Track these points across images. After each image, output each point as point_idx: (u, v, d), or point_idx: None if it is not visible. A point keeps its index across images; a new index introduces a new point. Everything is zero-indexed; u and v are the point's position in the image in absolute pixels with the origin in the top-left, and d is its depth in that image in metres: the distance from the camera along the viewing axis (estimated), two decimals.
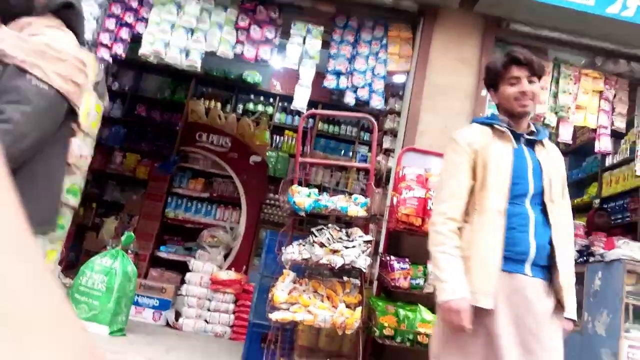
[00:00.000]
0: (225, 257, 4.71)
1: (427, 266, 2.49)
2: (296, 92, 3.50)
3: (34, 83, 1.59)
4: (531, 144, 1.76)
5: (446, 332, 1.64)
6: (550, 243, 1.64)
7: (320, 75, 3.61)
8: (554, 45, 3.57)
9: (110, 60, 3.54)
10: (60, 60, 1.77)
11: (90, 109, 3.34)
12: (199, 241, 4.65)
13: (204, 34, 3.51)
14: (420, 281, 2.51)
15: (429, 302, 2.52)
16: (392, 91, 3.86)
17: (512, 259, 1.63)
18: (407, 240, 2.76)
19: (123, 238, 3.62)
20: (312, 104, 3.98)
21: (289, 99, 6.24)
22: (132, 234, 3.70)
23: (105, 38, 3.48)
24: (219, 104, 6.03)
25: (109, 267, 3.40)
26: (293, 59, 3.52)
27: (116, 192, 5.85)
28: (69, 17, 1.88)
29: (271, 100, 6.31)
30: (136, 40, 3.59)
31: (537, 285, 1.62)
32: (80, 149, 3.28)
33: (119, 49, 3.52)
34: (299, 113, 6.27)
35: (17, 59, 1.58)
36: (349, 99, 3.49)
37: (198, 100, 5.78)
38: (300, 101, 3.48)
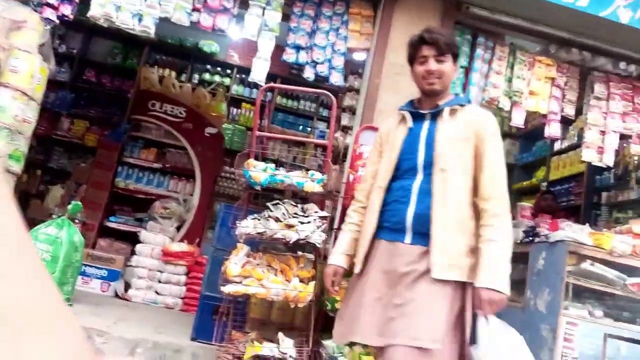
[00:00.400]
0: (178, 229, 4.65)
1: None
2: (254, 64, 3.45)
3: None
4: (435, 117, 1.83)
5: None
6: (430, 211, 1.71)
7: (279, 49, 3.55)
8: (511, 31, 3.67)
9: (57, 21, 3.35)
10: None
11: (35, 72, 3.17)
12: (151, 212, 4.56)
13: (158, 0, 3.37)
14: None
15: None
16: (352, 68, 3.87)
17: (391, 229, 1.78)
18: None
19: (70, 207, 3.50)
20: (271, 77, 3.93)
21: (246, 70, 6.09)
22: (80, 203, 3.57)
23: None
24: (173, 73, 5.86)
25: (54, 236, 3.29)
26: (252, 30, 3.45)
27: (63, 160, 5.62)
28: None
29: (228, 71, 6.18)
30: (85, 0, 3.41)
31: (414, 251, 1.71)
32: (24, 113, 3.12)
33: (67, 10, 3.34)
34: (257, 85, 6.15)
35: None
36: (309, 74, 3.47)
37: (151, 68, 5.58)
38: (259, 74, 3.43)
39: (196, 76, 6.06)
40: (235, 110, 6.11)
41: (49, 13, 3.26)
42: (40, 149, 5.35)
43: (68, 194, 4.80)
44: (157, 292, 4.19)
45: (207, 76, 6.07)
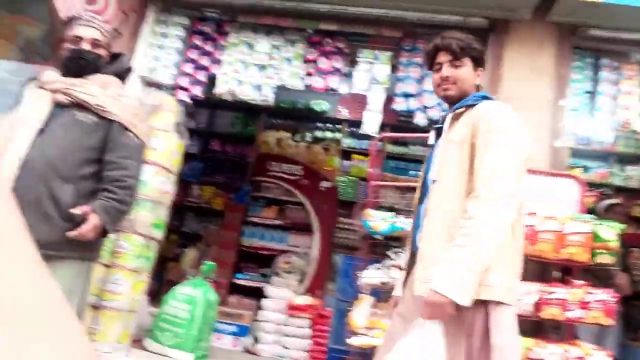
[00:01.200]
0: (300, 282, 4.78)
1: None
2: (365, 117, 3.56)
3: (135, 140, 1.95)
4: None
5: None
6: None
7: (388, 98, 3.64)
8: (636, 47, 3.40)
9: (190, 101, 3.77)
10: (144, 119, 2.09)
11: (172, 148, 3.56)
12: (274, 267, 4.75)
13: (275, 70, 3.67)
14: None
15: None
16: None
17: (415, 254, 1.69)
18: None
19: (203, 267, 3.78)
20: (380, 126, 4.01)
21: (355, 123, 6.33)
22: (212, 263, 3.85)
23: (183, 81, 3.73)
24: (288, 134, 6.22)
25: (191, 295, 3.55)
26: (362, 85, 3.60)
27: (194, 224, 6.13)
28: (126, 77, 2.19)
29: (338, 126, 6.41)
30: (211, 80, 3.82)
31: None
32: (164, 185, 3.49)
33: (197, 91, 3.76)
34: (366, 137, 6.34)
35: (120, 118, 1.91)
36: (420, 119, 3.50)
37: (269, 132, 5.99)
38: (371, 125, 3.53)
39: (309, 135, 6.38)
40: (346, 162, 6.27)
41: (182, 95, 3.69)
42: (175, 216, 5.90)
43: (200, 255, 5.21)
44: (284, 346, 4.29)
45: (319, 133, 6.36)
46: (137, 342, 3.41)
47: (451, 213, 1.55)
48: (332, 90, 3.77)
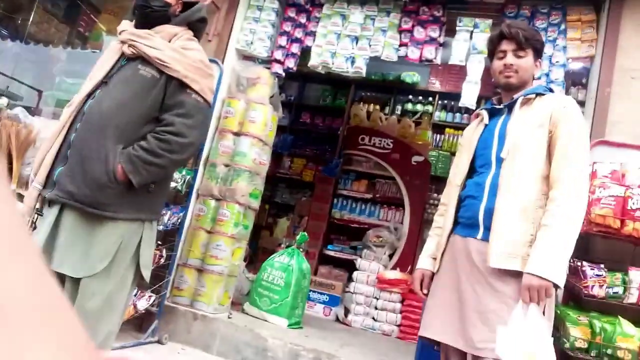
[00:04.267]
0: (390, 256, 4.76)
1: (628, 273, 2.22)
2: (464, 89, 3.39)
3: (194, 97, 1.80)
4: (511, 110, 1.82)
5: None
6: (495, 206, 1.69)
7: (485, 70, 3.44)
8: None
9: (283, 74, 3.82)
10: (210, 75, 1.92)
11: (267, 120, 3.65)
12: (365, 241, 4.77)
13: (368, 41, 3.60)
14: (619, 290, 2.24)
15: (629, 313, 2.25)
16: (574, 79, 3.52)
17: (465, 224, 1.80)
18: (600, 244, 2.49)
19: (297, 237, 3.88)
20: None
21: (448, 96, 6.11)
22: (305, 233, 3.94)
23: (278, 54, 3.77)
24: (378, 107, 6.14)
25: (286, 264, 3.67)
26: (460, 55, 3.42)
27: (285, 195, 6.32)
28: (199, 29, 2.02)
29: (430, 99, 6.22)
30: (304, 52, 3.83)
31: (485, 247, 1.68)
32: (260, 156, 3.60)
33: (291, 63, 3.79)
34: (459, 110, 6.11)
35: (180, 74, 1.77)
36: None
37: (360, 105, 5.94)
38: (469, 98, 3.36)
39: (399, 107, 6.25)
40: (438, 136, 6.09)
41: (277, 67, 3.74)
42: (267, 186, 6.10)
43: (292, 225, 5.35)
44: (374, 319, 4.33)
45: (409, 106, 6.21)
46: (236, 305, 3.61)
47: (530, 193, 1.68)
48: (428, 61, 3.62)
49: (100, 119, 1.70)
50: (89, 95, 1.76)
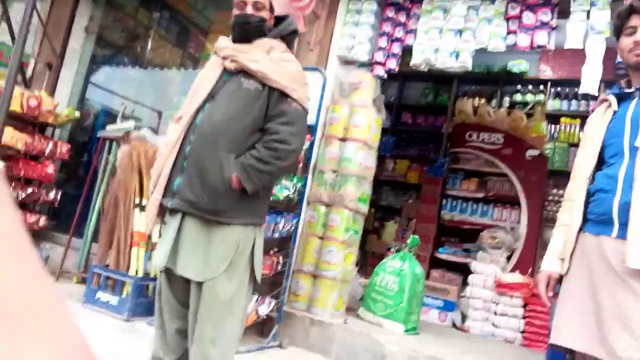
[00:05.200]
0: (508, 258, 4.50)
1: None
2: (584, 73, 3.11)
3: (294, 106, 1.88)
4: None
5: None
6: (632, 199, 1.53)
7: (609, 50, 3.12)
8: None
9: (385, 76, 3.77)
10: (306, 84, 2.00)
11: (372, 123, 3.63)
12: (479, 242, 4.55)
13: (472, 32, 3.44)
14: None
15: None
16: None
17: (596, 221, 1.65)
18: None
19: (408, 241, 3.80)
20: None
21: (562, 83, 5.65)
22: (417, 237, 3.85)
23: (379, 56, 3.74)
24: (483, 100, 5.85)
25: (398, 268, 3.61)
26: (577, 38, 3.14)
27: (390, 197, 6.24)
28: (291, 40, 2.11)
29: (541, 87, 5.79)
30: (404, 51, 3.76)
31: (622, 246, 1.52)
32: (366, 160, 3.59)
33: (392, 64, 3.73)
34: (575, 97, 5.62)
35: (281, 84, 1.86)
36: None
37: (464, 100, 5.71)
38: (590, 83, 3.08)
39: (507, 99, 5.90)
40: (553, 127, 5.64)
41: (379, 69, 3.71)
42: (372, 190, 6.07)
43: (400, 228, 5.27)
44: (494, 325, 4.10)
45: (518, 97, 5.84)
46: (350, 310, 3.62)
47: None
48: (540, 47, 3.37)
49: (212, 132, 1.81)
50: (198, 109, 1.87)
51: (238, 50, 1.92)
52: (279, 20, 2.09)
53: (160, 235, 1.89)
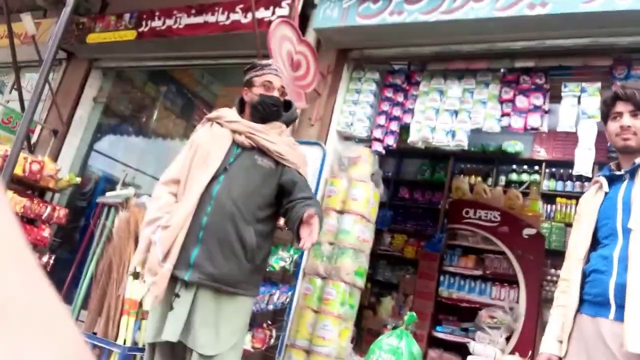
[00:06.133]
0: (507, 339, 4.37)
1: None
2: (577, 156, 3.20)
3: (303, 178, 2.06)
4: (633, 176, 1.72)
5: None
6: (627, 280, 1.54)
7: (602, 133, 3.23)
8: None
9: (384, 151, 3.87)
10: (307, 163, 2.20)
11: (370, 197, 3.67)
12: (477, 322, 4.45)
13: (468, 113, 3.57)
14: None
15: None
16: None
17: (592, 302, 1.66)
18: None
19: (405, 318, 3.70)
20: None
21: (556, 164, 5.79)
22: (414, 314, 3.75)
23: (377, 133, 3.86)
24: (479, 179, 5.96)
25: (395, 346, 3.48)
26: (568, 121, 3.27)
27: (387, 272, 6.16)
28: (291, 124, 2.35)
29: (536, 167, 5.92)
30: (401, 129, 3.88)
31: (620, 329, 1.52)
32: (363, 233, 3.59)
33: (390, 141, 3.84)
34: (570, 178, 5.73)
35: (296, 165, 2.03)
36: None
37: (461, 177, 5.81)
38: (584, 165, 3.15)
39: (502, 178, 6.01)
40: (549, 207, 5.70)
41: (377, 145, 3.81)
42: (369, 264, 6.02)
43: (397, 304, 5.16)
44: None
45: (514, 176, 5.95)
46: None
47: None
48: (534, 129, 3.49)
49: (232, 206, 1.87)
50: (212, 180, 1.91)
51: (254, 129, 2.00)
52: (286, 105, 2.23)
53: (171, 308, 1.85)
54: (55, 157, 4.74)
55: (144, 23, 4.51)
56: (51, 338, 0.24)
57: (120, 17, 4.72)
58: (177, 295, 1.80)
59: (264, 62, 2.22)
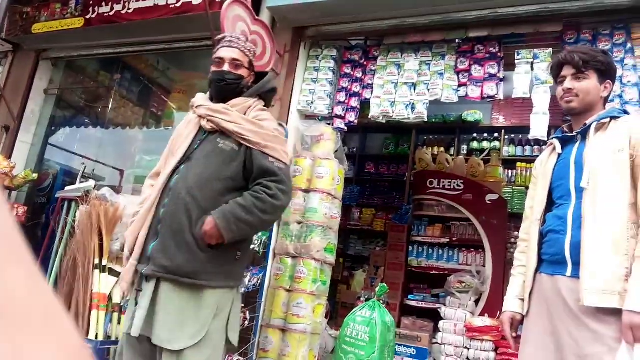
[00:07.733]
0: (476, 302, 4.53)
1: None
2: (532, 120, 3.29)
3: (276, 164, 1.88)
4: (585, 137, 1.76)
5: None
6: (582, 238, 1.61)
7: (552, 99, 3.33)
8: None
9: (345, 128, 3.89)
10: (284, 141, 2.03)
11: (335, 174, 3.69)
12: (447, 287, 4.58)
13: (426, 86, 3.61)
14: None
15: None
16: None
17: (550, 262, 1.72)
18: None
19: (377, 289, 3.79)
20: None
21: (515, 130, 5.94)
22: (385, 284, 3.84)
23: (338, 110, 3.87)
24: (442, 149, 6.07)
25: (369, 317, 3.56)
26: (523, 88, 3.35)
27: (358, 246, 6.26)
28: (269, 98, 2.13)
29: (496, 134, 6.07)
30: (362, 104, 3.90)
31: (577, 285, 1.59)
32: (330, 210, 3.62)
33: (352, 117, 3.86)
34: (529, 143, 5.90)
35: (260, 145, 1.86)
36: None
37: (424, 149, 5.90)
38: (539, 129, 3.25)
39: (464, 147, 6.14)
40: (510, 172, 5.88)
41: (339, 122, 3.82)
42: (340, 239, 6.08)
43: (369, 277, 5.26)
44: None
45: (475, 145, 6.09)
46: None
47: (618, 223, 1.57)
48: (490, 97, 3.56)
49: (187, 194, 1.79)
50: (174, 171, 1.86)
51: (214, 110, 1.91)
52: (259, 77, 2.08)
53: (136, 303, 1.80)
54: (9, 154, 4.57)
55: (91, 10, 4.34)
56: (51, 338, 0.24)
57: (66, 5, 4.52)
58: (140, 290, 1.78)
59: (219, 36, 2.12)
